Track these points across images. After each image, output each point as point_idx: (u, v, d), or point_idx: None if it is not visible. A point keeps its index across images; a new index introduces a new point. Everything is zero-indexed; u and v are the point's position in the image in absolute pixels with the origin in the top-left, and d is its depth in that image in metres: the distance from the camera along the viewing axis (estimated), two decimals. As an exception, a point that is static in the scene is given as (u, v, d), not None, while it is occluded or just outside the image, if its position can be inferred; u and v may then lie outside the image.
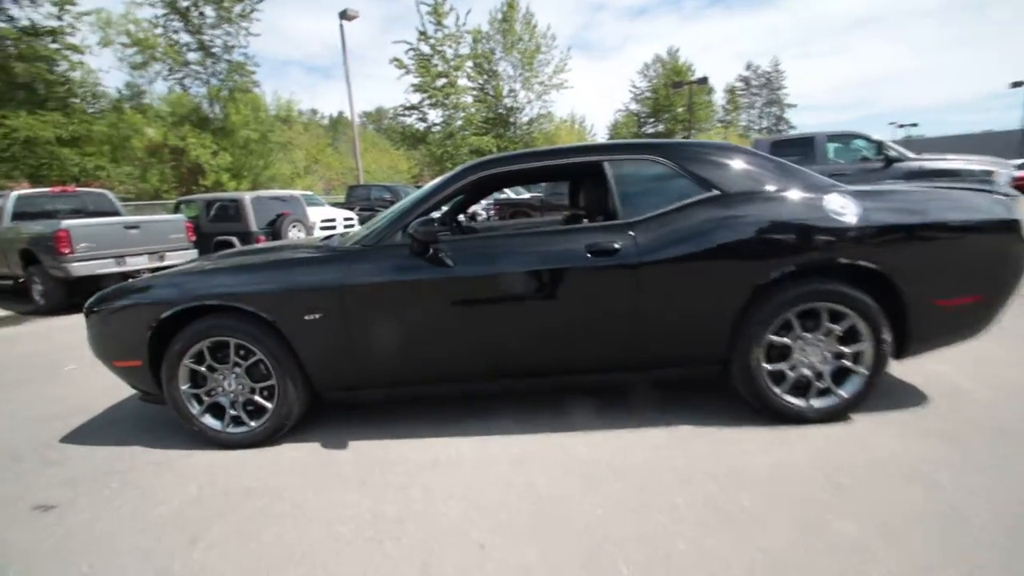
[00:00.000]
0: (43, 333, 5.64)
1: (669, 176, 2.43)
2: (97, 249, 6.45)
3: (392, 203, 8.71)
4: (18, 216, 7.12)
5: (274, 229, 8.61)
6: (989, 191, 2.42)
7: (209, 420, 2.50)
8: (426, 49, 23.58)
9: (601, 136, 43.52)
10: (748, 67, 53.15)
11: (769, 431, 2.35)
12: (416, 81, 23.64)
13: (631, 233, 2.32)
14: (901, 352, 2.41)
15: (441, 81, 23.83)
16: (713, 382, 2.61)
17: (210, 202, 9.03)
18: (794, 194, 2.35)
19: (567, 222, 3.44)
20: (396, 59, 23.42)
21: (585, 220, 3.05)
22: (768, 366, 2.36)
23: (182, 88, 19.54)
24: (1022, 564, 1.53)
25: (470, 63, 25.34)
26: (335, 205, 14.70)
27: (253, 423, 2.49)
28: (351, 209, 13.92)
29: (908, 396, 2.64)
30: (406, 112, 25.06)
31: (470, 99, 25.67)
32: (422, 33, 23.42)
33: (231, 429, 2.49)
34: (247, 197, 8.69)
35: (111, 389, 3.30)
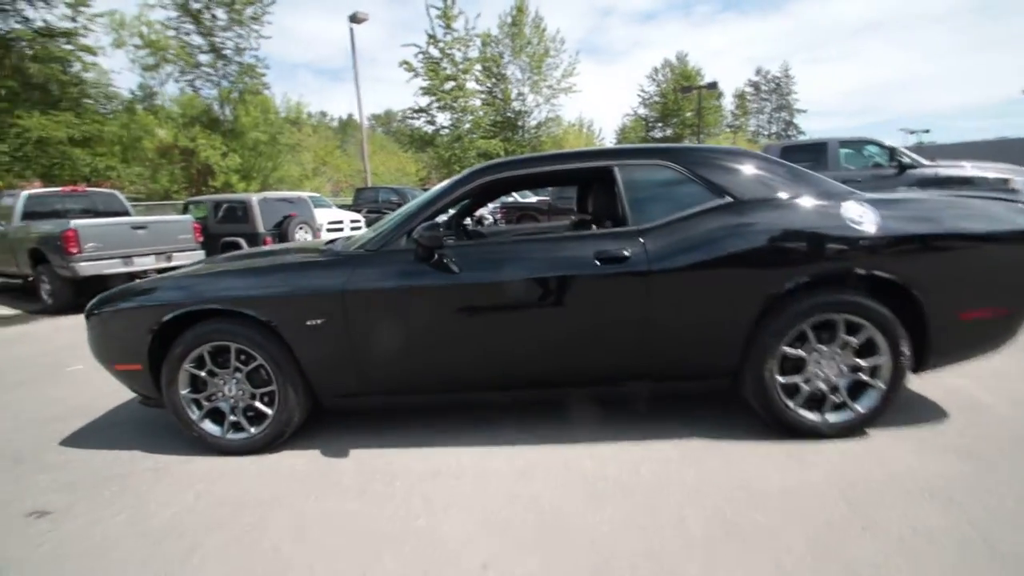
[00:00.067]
0: (49, 333, 5.65)
1: (680, 182, 2.37)
2: (105, 249, 6.47)
3: (399, 206, 8.70)
4: (28, 215, 7.16)
5: (281, 231, 8.62)
6: (1010, 200, 2.35)
7: (209, 426, 2.46)
8: (435, 52, 23.67)
9: (609, 140, 43.46)
10: (758, 72, 52.95)
11: (782, 446, 2.28)
12: (425, 84, 23.72)
13: (641, 240, 2.26)
14: (920, 366, 2.33)
15: (450, 84, 23.89)
16: (724, 394, 2.54)
17: (218, 203, 9.05)
18: (810, 202, 2.28)
19: (575, 227, 3.39)
20: (405, 62, 23.51)
21: (593, 226, 2.99)
22: (781, 379, 2.29)
23: (193, 90, 19.73)
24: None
25: (479, 66, 25.40)
26: (342, 207, 14.72)
27: (253, 429, 2.44)
28: (358, 211, 13.94)
29: (926, 410, 2.56)
30: (415, 115, 25.15)
31: (478, 102, 25.71)
32: (431, 36, 23.51)
33: (230, 435, 2.45)
34: (254, 198, 8.70)
35: (113, 391, 3.26)
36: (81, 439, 2.77)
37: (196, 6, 18.49)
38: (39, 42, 15.17)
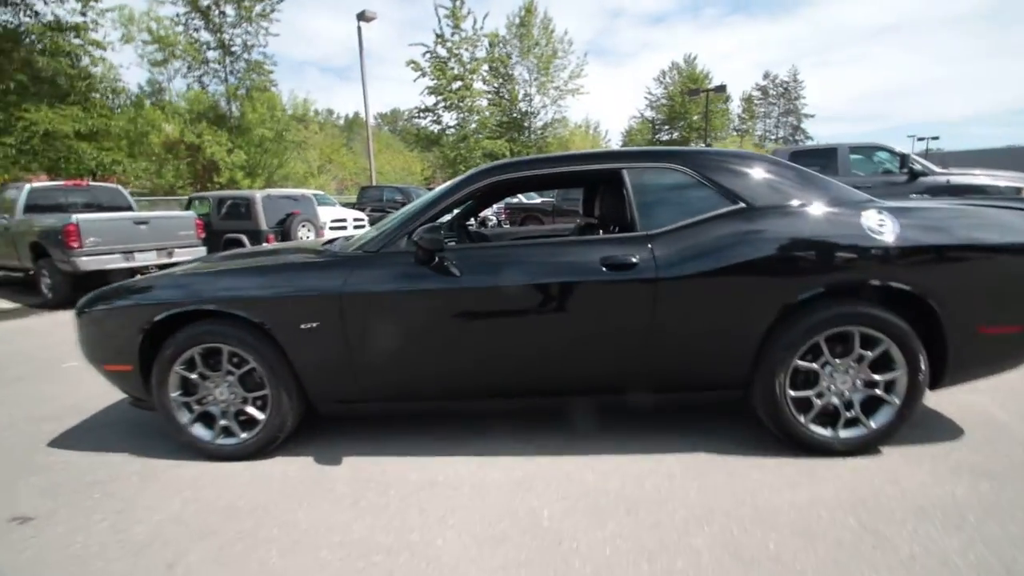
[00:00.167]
0: (48, 327, 5.61)
1: (691, 186, 2.29)
2: (106, 244, 6.43)
3: (403, 205, 8.63)
4: (31, 208, 7.13)
5: (284, 228, 8.57)
6: None
7: (199, 430, 2.38)
8: (443, 52, 23.67)
9: (615, 142, 43.35)
10: (766, 76, 52.77)
11: (793, 463, 2.19)
12: (432, 84, 23.71)
13: (650, 246, 2.17)
14: (936, 382, 2.24)
15: (456, 84, 23.89)
16: (732, 406, 2.46)
17: (221, 199, 9.01)
18: (827, 209, 2.20)
19: (580, 231, 3.30)
20: (413, 61, 23.53)
21: (600, 230, 2.91)
22: (793, 393, 2.20)
23: (200, 86, 19.75)
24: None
25: (486, 66, 25.37)
26: (347, 205, 14.68)
27: (244, 434, 2.37)
28: (362, 210, 13.89)
29: (939, 427, 2.48)
30: (421, 114, 25.15)
31: (485, 102, 25.68)
32: (439, 36, 23.51)
33: (221, 440, 2.38)
34: (258, 195, 8.66)
35: (106, 390, 3.18)
36: (71, 440, 2.71)
37: (205, 2, 18.53)
38: (48, 36, 15.19)
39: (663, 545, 1.71)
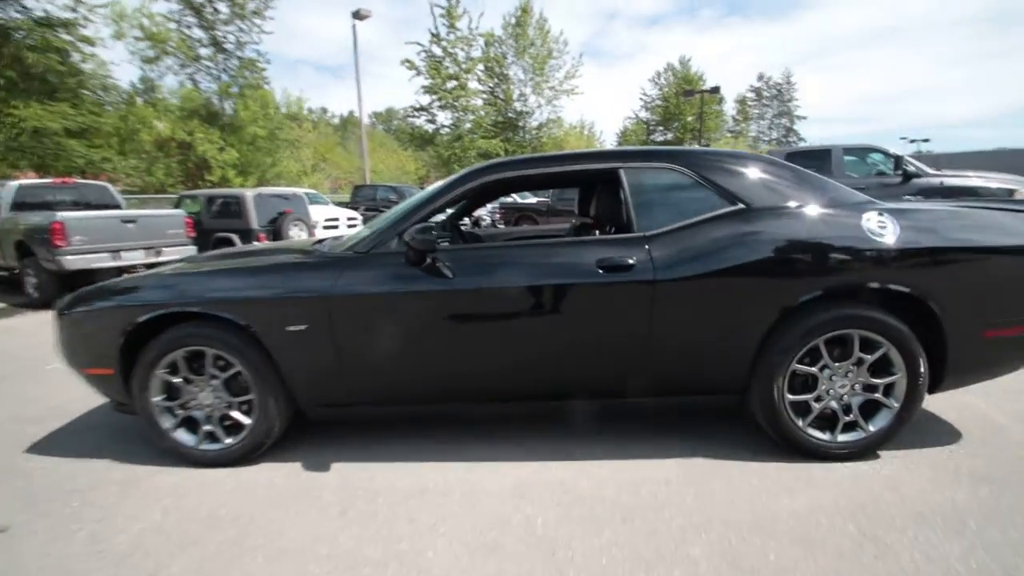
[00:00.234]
0: (33, 327, 5.49)
1: (689, 186, 2.24)
2: (92, 243, 6.30)
3: (397, 204, 8.55)
4: (17, 206, 6.98)
5: (275, 227, 8.46)
6: None
7: (182, 435, 2.31)
8: (438, 51, 23.56)
9: (610, 143, 43.36)
10: (760, 78, 52.76)
11: (791, 467, 2.15)
12: (427, 83, 23.60)
13: (647, 247, 2.12)
14: (935, 386, 2.21)
15: (451, 83, 23.78)
16: (730, 410, 2.42)
17: (212, 198, 8.89)
18: (828, 211, 2.16)
19: (576, 231, 3.25)
20: (408, 60, 23.41)
21: (596, 231, 2.86)
22: (791, 397, 2.17)
23: (193, 83, 19.53)
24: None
25: (481, 66, 25.29)
26: (340, 204, 14.57)
27: (229, 440, 2.30)
28: (355, 209, 13.79)
29: (939, 431, 2.45)
30: (415, 113, 25.04)
31: (480, 102, 25.60)
32: (434, 35, 23.39)
33: (205, 446, 2.30)
34: (249, 194, 8.55)
35: (89, 392, 3.11)
36: (51, 445, 2.62)
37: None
38: (38, 32, 14.97)
39: (660, 555, 1.67)
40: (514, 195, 13.89)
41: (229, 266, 2.45)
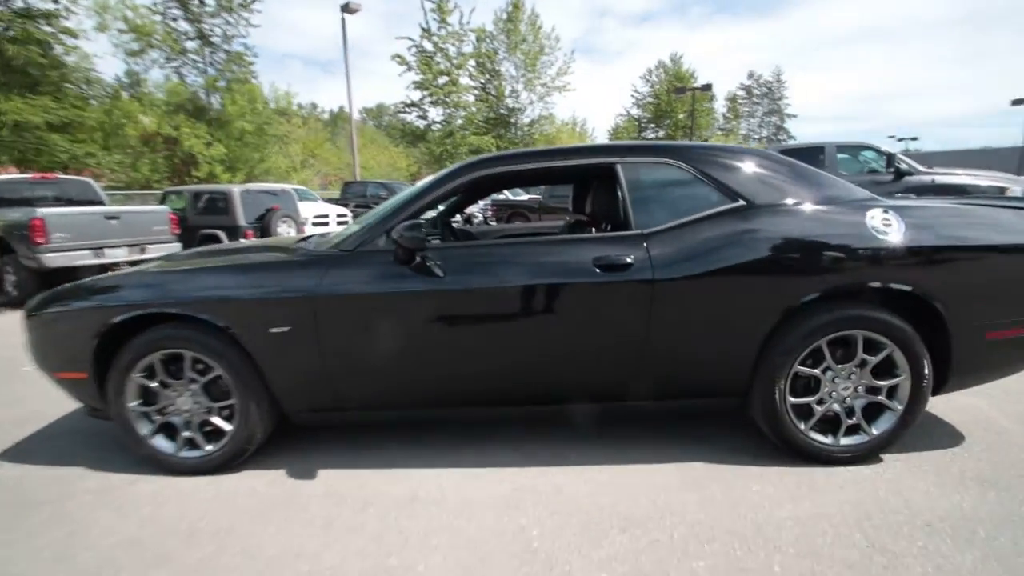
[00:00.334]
0: (11, 326, 5.31)
1: (689, 183, 2.17)
2: (74, 240, 6.13)
3: (387, 201, 8.41)
4: (-4, 202, 6.78)
5: (263, 224, 8.30)
6: None
7: (160, 442, 2.20)
8: (429, 46, 23.33)
9: (602, 140, 43.32)
10: (750, 76, 52.94)
11: (793, 472, 2.09)
12: (418, 78, 23.37)
13: (645, 245, 2.05)
14: (939, 387, 2.16)
15: (443, 79, 23.56)
16: (730, 414, 2.35)
17: (197, 194, 8.70)
18: (832, 208, 2.09)
19: (570, 229, 3.17)
20: (398, 55, 23.15)
21: (592, 228, 2.78)
22: (793, 399, 2.10)
23: (179, 77, 19.18)
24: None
25: (473, 62, 25.08)
26: (330, 201, 14.38)
27: (210, 447, 2.19)
28: (346, 205, 13.61)
29: (941, 433, 2.41)
30: (406, 109, 24.78)
31: (471, 98, 25.40)
32: (425, 30, 23.16)
33: (184, 453, 2.20)
34: (236, 190, 8.37)
35: (66, 396, 3.00)
36: (23, 451, 2.50)
37: (184, -9, 17.98)
38: (18, 23, 14.61)
39: (663, 569, 1.59)
40: (506, 192, 13.78)
41: (208, 264, 2.33)
